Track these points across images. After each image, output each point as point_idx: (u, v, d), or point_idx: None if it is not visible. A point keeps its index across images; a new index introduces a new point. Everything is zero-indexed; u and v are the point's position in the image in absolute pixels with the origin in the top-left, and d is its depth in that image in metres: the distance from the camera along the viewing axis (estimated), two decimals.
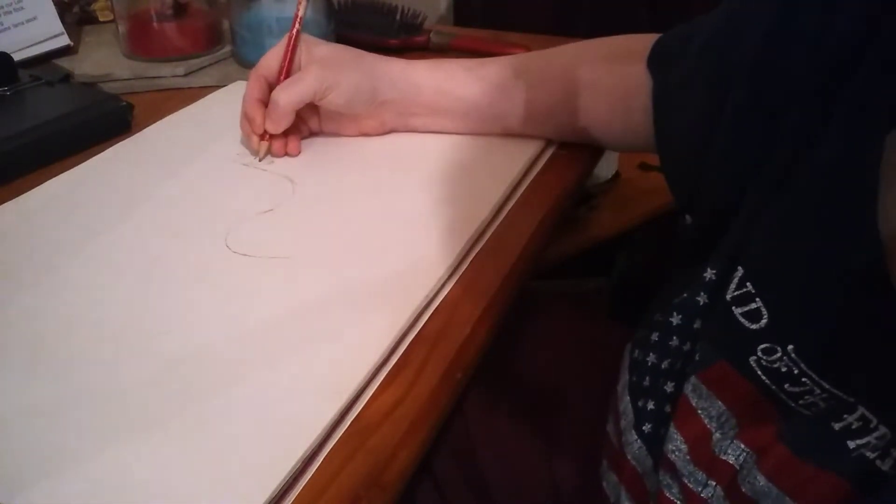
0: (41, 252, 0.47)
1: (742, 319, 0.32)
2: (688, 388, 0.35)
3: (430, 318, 0.42)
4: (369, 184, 0.54)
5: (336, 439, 0.35)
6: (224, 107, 0.67)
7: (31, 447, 0.33)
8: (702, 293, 0.36)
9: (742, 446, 0.33)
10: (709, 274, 0.36)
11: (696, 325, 0.37)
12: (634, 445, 0.40)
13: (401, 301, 0.42)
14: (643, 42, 0.52)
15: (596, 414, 0.54)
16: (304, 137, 0.59)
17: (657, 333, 0.40)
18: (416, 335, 0.41)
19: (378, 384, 0.38)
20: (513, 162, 0.56)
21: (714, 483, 0.34)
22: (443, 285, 0.44)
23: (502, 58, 0.58)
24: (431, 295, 0.43)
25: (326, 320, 0.41)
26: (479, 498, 0.54)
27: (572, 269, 1.06)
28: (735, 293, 0.33)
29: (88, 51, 0.78)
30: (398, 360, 0.39)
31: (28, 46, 0.74)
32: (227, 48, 0.78)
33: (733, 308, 0.32)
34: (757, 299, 0.32)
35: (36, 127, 0.59)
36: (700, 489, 0.34)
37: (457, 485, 0.55)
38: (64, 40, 0.77)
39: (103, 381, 0.37)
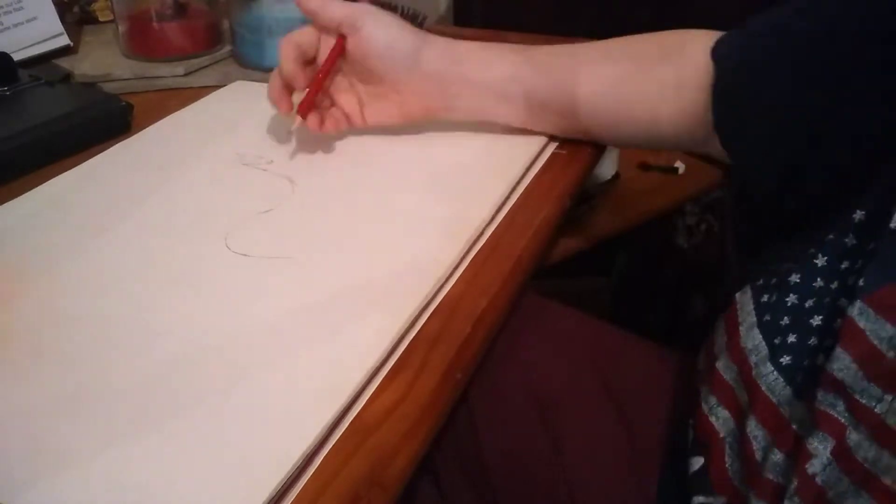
0: (41, 252, 0.47)
1: None
2: (853, 311, 0.35)
3: (430, 318, 0.42)
4: (369, 184, 0.54)
5: (336, 439, 0.35)
6: (224, 107, 0.67)
7: (31, 447, 0.33)
8: (850, 234, 0.38)
9: None
10: (858, 215, 0.38)
11: (845, 265, 0.38)
12: (770, 377, 0.40)
13: (401, 301, 0.42)
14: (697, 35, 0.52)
15: (597, 412, 0.54)
16: (341, 129, 0.57)
17: (797, 276, 0.40)
18: (416, 335, 0.41)
19: (378, 384, 0.38)
20: (513, 162, 0.56)
21: (891, 397, 0.33)
22: (443, 285, 0.44)
23: (550, 46, 0.56)
24: (431, 295, 0.43)
25: (326, 320, 0.41)
26: (480, 496, 0.54)
27: (572, 269, 1.06)
28: None
29: (88, 51, 0.78)
30: (398, 360, 0.39)
31: (28, 46, 0.74)
32: (227, 48, 0.78)
33: None
34: None
35: (36, 127, 0.59)
36: (875, 404, 0.34)
37: (458, 483, 0.55)
38: (64, 40, 0.77)
39: (103, 381, 0.37)
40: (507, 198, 0.53)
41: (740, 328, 0.44)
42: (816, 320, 0.39)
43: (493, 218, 0.51)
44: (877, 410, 0.34)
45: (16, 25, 0.74)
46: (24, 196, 0.53)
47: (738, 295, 0.46)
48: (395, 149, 0.59)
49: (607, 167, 1.04)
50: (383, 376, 0.38)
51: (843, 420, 0.35)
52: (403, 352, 0.40)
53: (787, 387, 0.39)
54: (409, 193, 0.53)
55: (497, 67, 0.55)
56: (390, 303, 0.42)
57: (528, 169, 0.57)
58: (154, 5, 0.74)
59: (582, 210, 1.03)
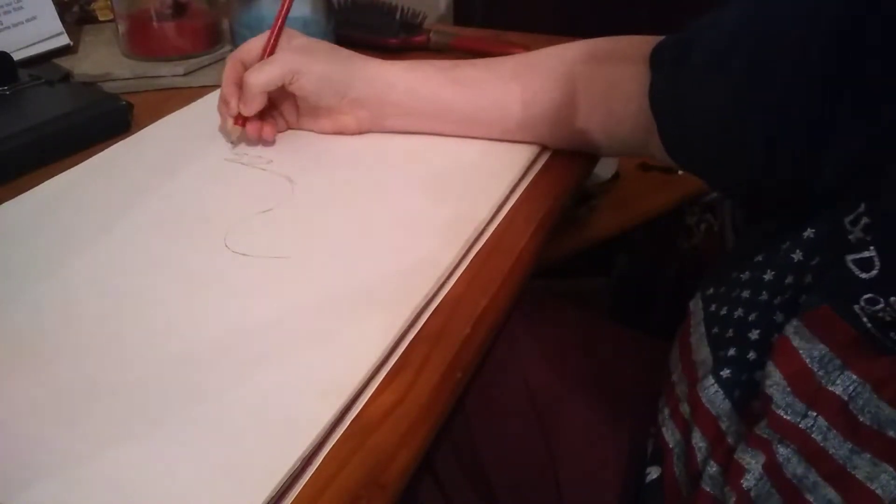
0: (41, 251, 0.47)
1: (853, 267, 0.33)
2: (789, 330, 0.35)
3: (430, 317, 0.42)
4: (369, 183, 0.54)
5: (336, 439, 0.35)
6: None
7: (31, 447, 0.33)
8: (797, 250, 0.38)
9: (854, 377, 0.32)
10: (808, 233, 0.38)
11: (788, 280, 0.38)
12: (710, 390, 0.40)
13: (401, 301, 0.42)
14: (636, 44, 0.52)
15: (596, 412, 0.54)
16: (280, 130, 0.61)
17: (747, 291, 0.40)
18: (416, 335, 0.41)
19: (378, 384, 0.38)
20: (512, 161, 0.56)
21: (815, 413, 0.33)
22: (443, 285, 0.44)
23: (478, 59, 0.59)
24: (431, 295, 0.43)
25: (326, 320, 0.41)
26: (481, 496, 0.54)
27: (572, 269, 1.06)
28: (851, 238, 0.34)
29: (88, 50, 0.78)
30: (398, 359, 0.39)
31: (28, 46, 0.74)
32: (227, 48, 0.78)
33: (846, 255, 0.33)
34: (872, 248, 0.32)
35: (36, 126, 0.59)
36: (799, 420, 0.34)
37: (458, 483, 0.55)
38: (64, 40, 0.77)
39: (103, 380, 0.37)
40: (507, 198, 0.53)
41: (691, 339, 0.44)
42: (755, 334, 0.39)
43: (492, 218, 0.51)
44: (801, 426, 0.34)
45: (16, 25, 0.74)
46: (24, 196, 0.53)
47: (690, 303, 0.47)
48: (395, 148, 0.59)
49: (607, 167, 1.04)
50: (383, 376, 0.38)
51: (766, 437, 0.35)
52: (403, 352, 0.40)
53: (726, 400, 0.39)
54: (409, 193, 0.53)
55: (422, 92, 0.58)
56: (390, 302, 0.42)
57: (527, 169, 0.57)
58: (154, 5, 0.74)
59: (582, 210, 1.03)
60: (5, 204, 0.52)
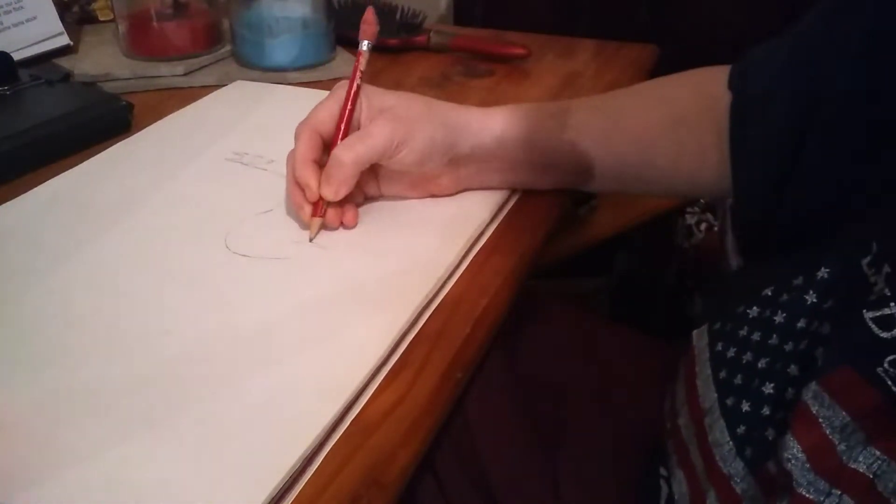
0: (41, 252, 0.47)
1: (872, 325, 0.30)
2: (807, 395, 0.32)
3: (430, 317, 0.42)
4: None
5: (336, 439, 0.35)
6: (224, 106, 0.67)
7: (31, 447, 0.33)
8: (811, 291, 0.35)
9: (877, 454, 0.30)
10: (822, 273, 0.35)
11: (801, 324, 0.35)
12: (725, 447, 0.37)
13: (401, 301, 0.42)
14: (717, 72, 0.51)
15: (596, 412, 0.54)
16: (360, 205, 0.51)
17: (757, 333, 0.38)
18: (417, 335, 0.41)
19: (378, 384, 0.38)
20: None
21: (839, 492, 0.31)
22: (443, 285, 0.44)
23: (585, 99, 0.54)
24: (431, 295, 0.43)
25: (326, 320, 0.41)
26: (481, 496, 0.54)
27: (572, 269, 1.06)
28: (870, 295, 0.31)
29: (88, 50, 0.78)
30: (398, 359, 0.39)
31: (28, 46, 0.74)
32: (227, 48, 0.78)
33: (864, 311, 0.31)
34: (892, 304, 0.30)
35: (36, 126, 0.59)
36: (822, 499, 0.32)
37: (458, 483, 0.55)
38: (64, 40, 0.77)
39: (103, 381, 0.37)
40: (508, 198, 0.53)
41: (697, 381, 0.42)
42: (769, 388, 0.36)
43: (493, 218, 0.51)
44: None
45: (16, 25, 0.74)
46: (24, 196, 0.53)
47: (694, 334, 0.44)
48: None
49: None
50: (383, 376, 0.38)
51: None
52: (403, 352, 0.40)
53: (738, 459, 0.37)
54: None
55: (536, 138, 0.51)
56: (390, 303, 0.42)
57: None
58: (154, 5, 0.74)
59: (582, 210, 1.03)
60: (5, 204, 0.52)
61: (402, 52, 0.81)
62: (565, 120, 0.51)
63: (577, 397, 0.55)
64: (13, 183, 0.55)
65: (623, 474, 0.50)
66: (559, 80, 0.74)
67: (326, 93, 0.49)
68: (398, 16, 0.82)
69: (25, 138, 0.58)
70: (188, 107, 0.66)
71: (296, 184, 0.47)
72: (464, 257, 0.47)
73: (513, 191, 0.54)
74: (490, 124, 0.50)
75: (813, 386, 0.32)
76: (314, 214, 0.47)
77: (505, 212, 0.52)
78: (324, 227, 0.48)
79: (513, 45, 0.78)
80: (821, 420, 0.31)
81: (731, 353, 0.39)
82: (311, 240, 0.47)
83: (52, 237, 0.48)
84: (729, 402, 0.38)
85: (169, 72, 0.73)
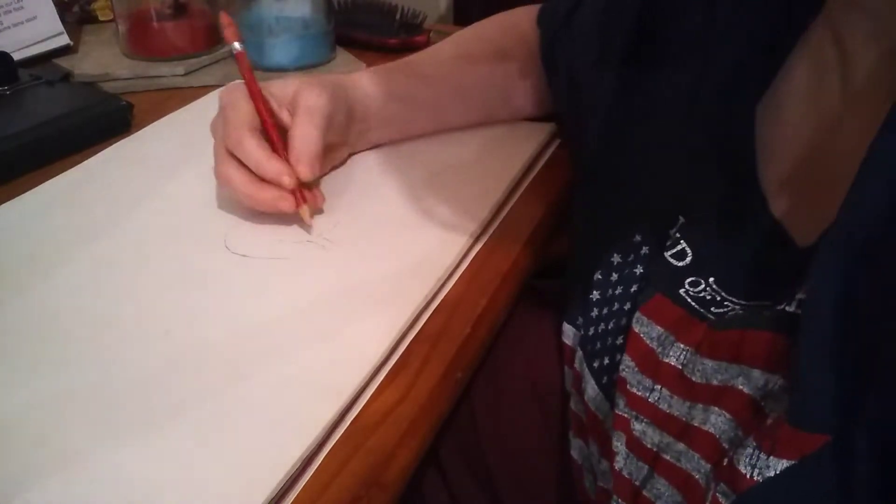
0: (41, 252, 0.47)
1: (671, 260, 0.40)
2: (633, 322, 0.40)
3: (430, 317, 0.42)
4: (368, 183, 0.54)
5: (336, 439, 0.35)
6: None
7: (31, 447, 0.33)
8: (638, 265, 0.42)
9: (682, 346, 0.38)
10: (637, 239, 0.42)
11: (633, 288, 0.42)
12: (597, 399, 0.43)
13: (401, 301, 0.42)
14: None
15: None
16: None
17: (606, 308, 0.43)
18: (417, 335, 0.41)
19: (378, 384, 0.38)
20: (512, 161, 0.56)
21: (660, 386, 0.39)
22: (443, 285, 0.44)
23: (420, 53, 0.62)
24: (431, 295, 0.43)
25: (326, 320, 0.41)
26: (485, 491, 0.54)
27: None
28: (668, 244, 0.41)
29: (88, 50, 0.78)
30: (398, 359, 0.39)
31: (28, 46, 0.74)
32: (228, 48, 0.78)
33: (665, 253, 0.40)
34: (682, 242, 0.40)
35: (36, 127, 0.59)
36: (647, 394, 0.39)
37: (462, 478, 0.55)
38: (64, 40, 0.77)
39: (102, 381, 0.37)
40: (507, 197, 0.53)
41: (577, 368, 0.46)
42: (619, 340, 0.42)
43: (493, 217, 0.51)
44: (650, 400, 0.39)
45: (16, 25, 0.74)
46: (23, 196, 0.53)
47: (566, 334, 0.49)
48: (394, 148, 0.59)
49: None
50: (383, 376, 0.38)
51: (626, 415, 0.40)
52: (403, 352, 0.40)
53: (605, 401, 0.43)
54: (409, 193, 0.53)
55: (399, 91, 0.57)
56: (390, 303, 0.42)
57: (528, 168, 0.57)
58: (154, 5, 0.74)
59: None
60: (5, 204, 0.52)
61: (402, 52, 0.81)
62: (416, 68, 0.59)
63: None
64: (13, 183, 0.55)
65: None
66: None
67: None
68: (398, 16, 0.82)
69: (25, 138, 0.58)
70: (187, 107, 0.66)
71: (261, 185, 0.47)
72: (464, 257, 0.47)
73: (513, 191, 0.54)
74: (361, 85, 0.55)
75: (637, 314, 0.40)
76: (299, 203, 0.47)
77: (505, 211, 0.52)
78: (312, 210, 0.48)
79: None
80: (642, 335, 0.40)
81: (585, 329, 0.44)
82: (309, 225, 0.48)
83: (52, 237, 0.48)
84: (595, 364, 0.44)
85: (169, 72, 0.74)
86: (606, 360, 0.43)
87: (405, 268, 0.45)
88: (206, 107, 0.66)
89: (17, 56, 0.68)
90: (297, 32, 0.73)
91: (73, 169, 0.56)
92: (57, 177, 0.55)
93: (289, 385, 0.37)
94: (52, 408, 0.35)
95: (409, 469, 0.35)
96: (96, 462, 0.32)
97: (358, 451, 0.34)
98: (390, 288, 0.43)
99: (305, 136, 0.47)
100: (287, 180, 0.46)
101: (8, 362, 0.38)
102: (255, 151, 0.46)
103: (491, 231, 0.50)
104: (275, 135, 0.48)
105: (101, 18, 0.85)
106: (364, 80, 0.56)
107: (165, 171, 0.56)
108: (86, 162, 0.57)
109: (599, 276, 0.43)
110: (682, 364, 0.38)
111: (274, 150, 0.48)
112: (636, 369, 0.40)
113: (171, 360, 0.38)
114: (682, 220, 0.41)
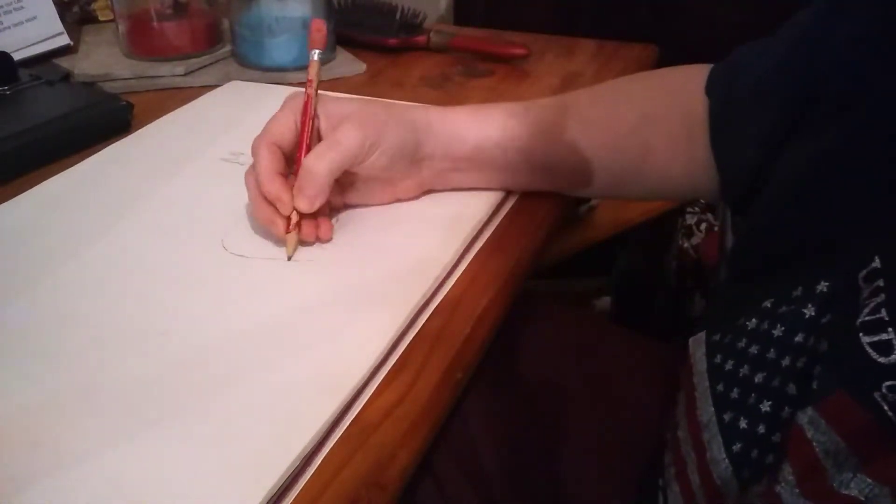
0: (40, 252, 0.47)
1: (870, 350, 0.29)
2: (803, 420, 0.31)
3: (430, 317, 0.42)
4: None
5: (336, 439, 0.35)
6: (222, 106, 0.67)
7: (31, 447, 0.33)
8: (810, 305, 0.34)
9: (869, 480, 0.29)
10: (822, 286, 0.34)
11: (798, 338, 0.34)
12: (721, 465, 0.37)
13: (401, 301, 0.42)
14: (695, 73, 0.51)
15: (596, 413, 0.54)
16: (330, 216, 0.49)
17: (755, 346, 0.37)
18: (417, 334, 0.41)
19: (378, 383, 0.38)
20: None
21: None
22: (443, 285, 0.44)
23: (549, 99, 0.53)
24: (431, 295, 0.43)
25: (326, 320, 0.41)
26: (480, 497, 0.54)
27: (572, 269, 1.06)
28: (866, 318, 0.30)
29: (88, 50, 0.78)
30: (398, 359, 0.39)
31: (28, 46, 0.74)
32: (227, 48, 0.78)
33: (861, 335, 0.30)
34: (890, 330, 0.29)
35: (36, 126, 0.59)
36: None
37: (457, 484, 0.55)
38: (64, 40, 0.77)
39: (102, 381, 0.37)
40: (507, 197, 0.53)
41: (696, 393, 0.41)
42: (765, 406, 0.36)
43: (492, 217, 0.51)
44: None
45: (16, 25, 0.74)
46: (23, 196, 0.53)
47: (691, 342, 0.43)
48: None
49: None
50: (383, 376, 0.38)
51: None
52: (403, 352, 0.40)
53: (734, 480, 0.36)
54: None
55: (495, 135, 0.50)
56: (390, 302, 0.42)
57: None
58: (154, 5, 0.74)
59: (582, 210, 1.03)
60: (5, 204, 0.52)
61: (402, 52, 0.81)
62: (525, 117, 0.51)
63: (577, 398, 0.55)
64: (13, 183, 0.55)
65: (622, 475, 0.50)
66: (559, 80, 0.74)
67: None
68: (398, 16, 0.82)
69: (25, 138, 0.58)
70: (185, 107, 0.66)
71: (263, 199, 0.45)
72: (464, 257, 0.47)
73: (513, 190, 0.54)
74: (449, 121, 0.50)
75: (809, 410, 0.31)
76: (288, 230, 0.45)
77: (505, 211, 0.52)
78: (300, 242, 0.46)
79: (513, 45, 0.78)
80: (814, 444, 0.31)
81: (728, 365, 0.38)
82: (289, 258, 0.45)
83: (52, 237, 0.48)
84: (726, 417, 0.37)
85: (169, 72, 0.74)
86: (755, 453, 0.35)
87: (405, 268, 0.45)
88: (205, 106, 0.66)
89: (17, 56, 0.69)
90: (297, 32, 0.73)
91: (72, 169, 0.56)
92: (57, 176, 0.55)
93: (288, 385, 0.36)
94: (52, 407, 0.35)
95: (408, 469, 0.35)
96: (95, 462, 0.32)
97: (358, 450, 0.34)
98: (390, 288, 0.43)
99: (312, 170, 0.44)
100: (281, 207, 0.45)
101: (6, 362, 0.38)
102: (264, 166, 0.45)
103: (491, 231, 0.50)
104: (302, 154, 0.46)
105: (101, 18, 0.85)
106: (468, 123, 0.50)
107: (163, 172, 0.55)
108: (86, 162, 0.57)
109: (769, 305, 0.36)
110: (867, 497, 0.29)
111: (297, 167, 0.46)
112: (797, 491, 0.31)
113: (169, 359, 0.38)
114: (877, 260, 0.31)
